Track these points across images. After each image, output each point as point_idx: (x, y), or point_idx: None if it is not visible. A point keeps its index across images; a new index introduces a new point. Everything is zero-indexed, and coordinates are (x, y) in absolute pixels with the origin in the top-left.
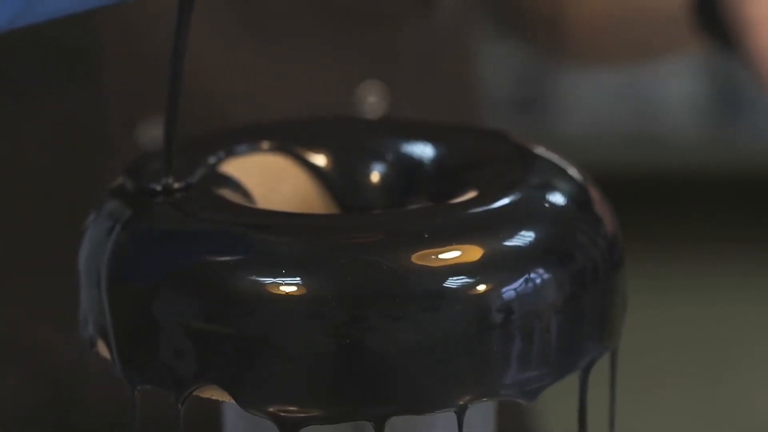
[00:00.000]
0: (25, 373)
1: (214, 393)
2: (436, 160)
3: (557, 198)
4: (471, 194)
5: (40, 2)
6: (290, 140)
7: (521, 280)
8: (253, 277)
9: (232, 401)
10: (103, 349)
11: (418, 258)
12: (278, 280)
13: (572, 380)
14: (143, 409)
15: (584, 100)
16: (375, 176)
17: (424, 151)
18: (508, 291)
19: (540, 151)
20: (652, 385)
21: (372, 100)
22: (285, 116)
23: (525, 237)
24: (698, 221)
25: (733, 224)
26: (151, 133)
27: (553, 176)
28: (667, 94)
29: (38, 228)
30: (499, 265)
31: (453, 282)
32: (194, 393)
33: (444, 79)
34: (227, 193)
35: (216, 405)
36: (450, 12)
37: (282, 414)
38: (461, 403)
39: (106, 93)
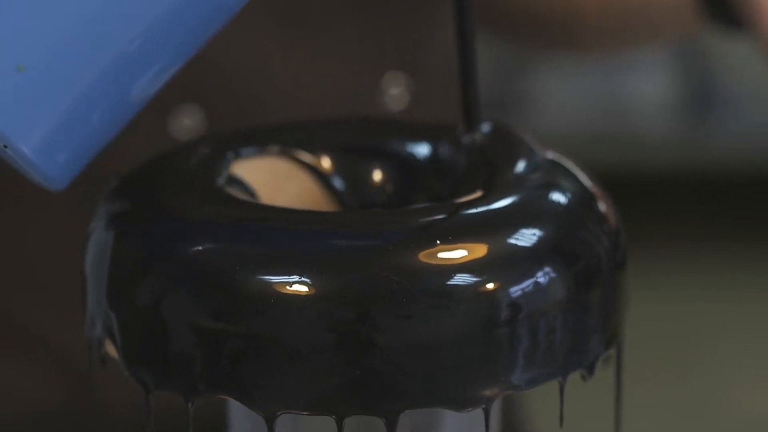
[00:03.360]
0: (40, 370)
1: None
2: (440, 160)
3: (562, 196)
4: (476, 193)
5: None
6: (295, 142)
7: (528, 279)
8: (260, 276)
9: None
10: (111, 349)
11: (426, 257)
12: (285, 279)
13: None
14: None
15: (557, 100)
16: (378, 177)
17: (427, 150)
18: (515, 289)
19: (543, 149)
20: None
21: (396, 92)
22: (307, 110)
23: (531, 235)
24: (669, 220)
25: (704, 223)
26: (183, 123)
27: (557, 174)
28: (639, 93)
29: (64, 221)
30: (506, 264)
31: (460, 280)
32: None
33: None
34: (234, 193)
35: (222, 403)
36: None
37: (289, 413)
38: (468, 400)
39: None
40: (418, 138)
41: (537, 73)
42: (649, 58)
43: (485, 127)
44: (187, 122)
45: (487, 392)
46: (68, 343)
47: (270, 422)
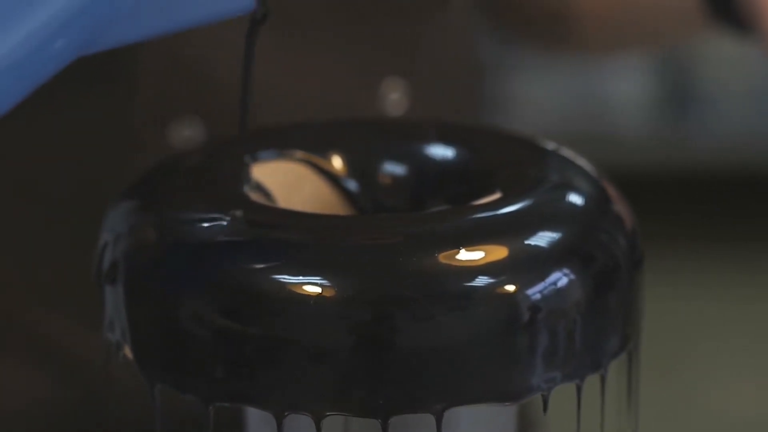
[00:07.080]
0: (39, 368)
1: None
2: (454, 163)
3: (579, 198)
4: (494, 196)
5: (106, 32)
6: (310, 144)
7: (546, 280)
8: (279, 279)
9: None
10: (129, 353)
11: (444, 259)
12: (304, 280)
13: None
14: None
15: (536, 99)
16: (393, 179)
17: (441, 153)
18: (534, 291)
19: (558, 150)
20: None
21: (394, 97)
22: (306, 117)
23: (549, 237)
24: (648, 219)
25: (682, 221)
26: (183, 133)
27: (574, 176)
28: (618, 92)
29: (67, 227)
30: (525, 266)
31: (479, 282)
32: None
33: (464, 76)
34: (251, 195)
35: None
36: (466, 8)
37: (305, 415)
38: (486, 401)
39: (138, 92)
40: (432, 140)
41: (517, 74)
42: (628, 59)
43: None
44: (187, 133)
45: (506, 394)
46: (68, 342)
47: (280, 421)
